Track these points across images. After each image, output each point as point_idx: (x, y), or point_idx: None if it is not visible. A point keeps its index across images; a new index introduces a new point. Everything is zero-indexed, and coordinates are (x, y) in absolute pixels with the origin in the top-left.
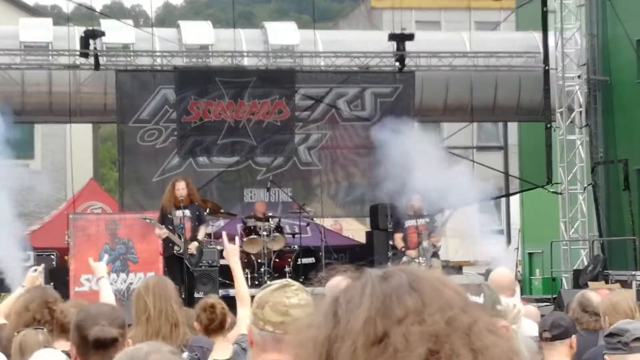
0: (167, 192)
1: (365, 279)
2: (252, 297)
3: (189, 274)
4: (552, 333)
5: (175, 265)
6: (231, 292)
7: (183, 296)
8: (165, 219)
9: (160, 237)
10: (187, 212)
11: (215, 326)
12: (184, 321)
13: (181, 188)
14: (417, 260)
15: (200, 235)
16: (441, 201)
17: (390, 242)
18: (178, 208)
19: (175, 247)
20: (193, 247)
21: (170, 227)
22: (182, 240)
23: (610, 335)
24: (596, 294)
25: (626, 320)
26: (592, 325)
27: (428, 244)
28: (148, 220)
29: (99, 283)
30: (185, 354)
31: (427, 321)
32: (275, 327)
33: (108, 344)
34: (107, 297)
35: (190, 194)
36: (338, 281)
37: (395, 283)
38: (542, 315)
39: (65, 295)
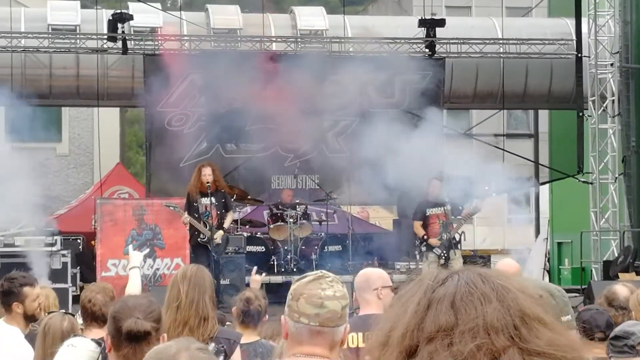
0: (193, 178)
1: (421, 281)
2: (279, 284)
3: (215, 262)
4: (607, 332)
5: (202, 253)
6: None
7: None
8: (191, 207)
9: (184, 224)
10: (213, 200)
11: (248, 319)
12: (215, 316)
13: (207, 174)
14: (436, 251)
15: (227, 223)
16: (470, 189)
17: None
18: (204, 195)
19: (201, 235)
20: (218, 236)
21: (196, 215)
22: (208, 228)
23: (616, 338)
24: (623, 288)
25: (631, 322)
26: (619, 320)
27: (448, 235)
28: (172, 208)
29: (130, 272)
30: (212, 345)
31: (455, 344)
32: (310, 319)
33: (140, 337)
34: (133, 287)
35: (216, 180)
36: (368, 272)
37: (440, 294)
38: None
39: (92, 280)
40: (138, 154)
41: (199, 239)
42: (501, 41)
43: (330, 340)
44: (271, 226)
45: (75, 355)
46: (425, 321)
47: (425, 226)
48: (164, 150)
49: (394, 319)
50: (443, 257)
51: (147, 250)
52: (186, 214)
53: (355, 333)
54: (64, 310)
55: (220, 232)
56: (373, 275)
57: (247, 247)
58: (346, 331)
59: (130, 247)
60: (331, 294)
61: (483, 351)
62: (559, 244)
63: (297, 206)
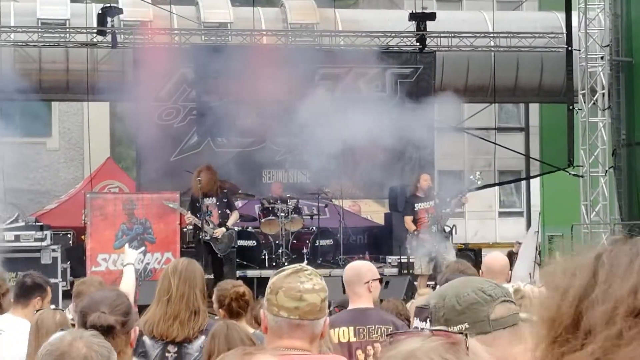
0: (194, 184)
1: (636, 247)
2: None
3: (217, 259)
4: None
5: (204, 251)
6: (249, 273)
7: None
8: (194, 207)
9: (189, 223)
10: (214, 200)
11: (237, 311)
12: (205, 309)
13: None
14: (427, 245)
15: (231, 221)
16: (459, 182)
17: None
18: (206, 196)
19: (202, 233)
20: (219, 232)
21: (198, 214)
22: (210, 226)
23: None
24: None
25: None
26: None
27: (438, 228)
28: (171, 205)
29: (125, 268)
30: (202, 338)
31: None
32: (289, 312)
33: (105, 332)
34: (126, 283)
35: (214, 185)
36: (358, 265)
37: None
38: None
39: (82, 275)
40: (129, 149)
41: (201, 237)
42: (492, 35)
43: (310, 333)
44: (262, 220)
45: None
46: None
47: (414, 220)
48: (154, 144)
49: (596, 275)
50: (434, 251)
51: (143, 248)
52: (189, 214)
53: (346, 327)
54: (53, 306)
55: (222, 229)
56: (363, 268)
57: (239, 241)
58: (326, 324)
59: (127, 244)
60: (310, 287)
61: None
62: (550, 237)
63: (289, 200)
